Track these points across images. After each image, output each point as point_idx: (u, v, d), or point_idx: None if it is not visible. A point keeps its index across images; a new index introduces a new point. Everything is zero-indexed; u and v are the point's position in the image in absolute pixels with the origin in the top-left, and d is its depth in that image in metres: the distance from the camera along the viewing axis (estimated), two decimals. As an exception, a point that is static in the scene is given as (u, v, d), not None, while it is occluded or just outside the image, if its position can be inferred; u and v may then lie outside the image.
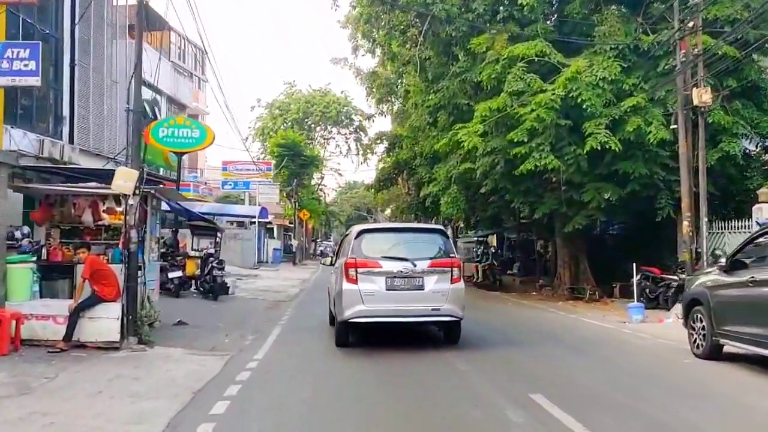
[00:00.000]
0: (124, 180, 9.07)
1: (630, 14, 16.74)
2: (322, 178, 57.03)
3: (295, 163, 43.07)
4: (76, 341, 8.93)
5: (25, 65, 9.73)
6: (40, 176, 13.39)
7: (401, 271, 9.18)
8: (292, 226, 49.75)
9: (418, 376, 7.75)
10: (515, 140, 15.55)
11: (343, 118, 55.83)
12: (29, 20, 14.65)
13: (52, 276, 10.12)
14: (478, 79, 17.56)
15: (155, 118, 23.81)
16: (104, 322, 9.02)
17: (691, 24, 13.73)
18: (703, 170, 13.99)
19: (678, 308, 13.36)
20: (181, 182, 23.43)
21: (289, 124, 53.09)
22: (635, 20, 16.35)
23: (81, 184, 10.57)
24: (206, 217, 20.61)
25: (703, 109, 13.75)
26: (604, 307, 16.37)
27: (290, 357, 9.07)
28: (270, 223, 43.96)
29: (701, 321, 8.67)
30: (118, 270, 9.39)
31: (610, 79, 15.15)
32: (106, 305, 9.05)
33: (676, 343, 10.14)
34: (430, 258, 9.38)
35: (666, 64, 15.34)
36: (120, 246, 9.69)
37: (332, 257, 12.89)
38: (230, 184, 39.66)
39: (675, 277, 14.99)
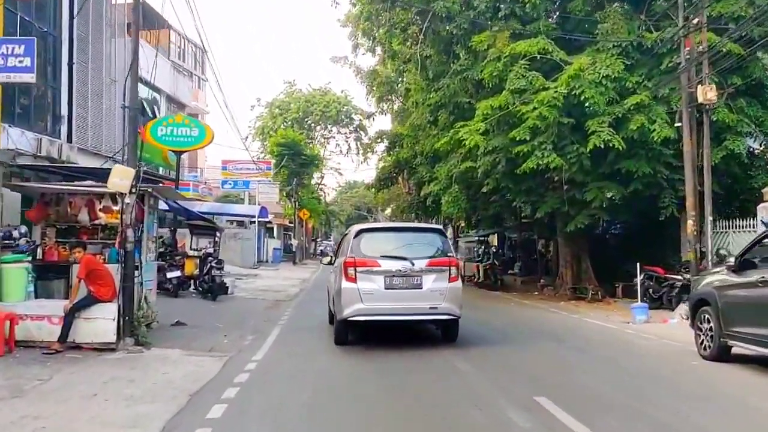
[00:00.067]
0: (121, 178, 8.91)
1: (633, 11, 16.58)
2: (322, 177, 56.96)
3: (295, 163, 42.95)
4: (72, 342, 8.78)
5: (20, 61, 9.59)
6: (38, 175, 13.26)
7: (400, 270, 9.27)
8: (292, 225, 49.63)
9: (420, 378, 7.60)
10: (517, 138, 15.40)
11: (343, 117, 55.70)
12: (27, 18, 14.51)
13: (48, 276, 9.99)
14: (480, 77, 17.41)
15: (154, 117, 23.68)
16: (100, 322, 8.87)
17: (695, 21, 13.55)
18: (708, 169, 13.83)
19: (682, 308, 13.24)
20: (180, 181, 23.32)
21: (289, 123, 52.96)
22: (638, 17, 16.22)
23: (77, 183, 10.42)
24: (205, 216, 20.47)
25: (707, 106, 13.60)
26: (606, 307, 16.22)
27: (290, 358, 8.92)
28: (270, 222, 43.86)
29: (709, 322, 8.50)
30: (114, 270, 9.24)
31: (613, 76, 14.99)
32: (102, 306, 8.90)
33: (681, 344, 9.98)
34: (429, 257, 9.47)
35: (669, 62, 15.19)
36: (116, 245, 9.53)
37: (332, 257, 13.01)
38: (230, 184, 39.54)
39: (679, 277, 14.84)
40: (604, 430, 5.40)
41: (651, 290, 15.39)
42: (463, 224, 32.75)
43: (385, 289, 9.23)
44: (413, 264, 9.29)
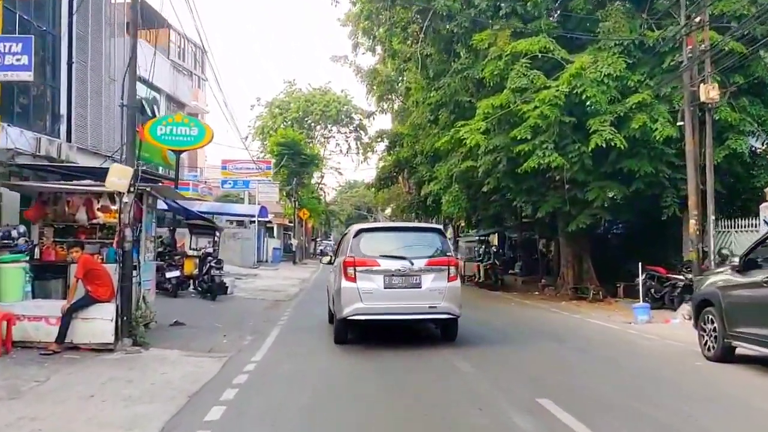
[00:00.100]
0: (119, 177, 8.82)
1: (634, 10, 16.50)
2: (322, 177, 56.86)
3: (294, 162, 42.89)
4: (69, 343, 8.70)
5: (18, 59, 9.55)
6: (37, 174, 13.19)
7: (399, 270, 9.32)
8: (292, 225, 49.55)
9: (421, 380, 7.52)
10: (518, 138, 15.31)
11: (343, 116, 55.61)
12: (26, 17, 14.46)
13: (45, 276, 9.91)
14: (481, 76, 17.32)
15: (154, 116, 23.60)
16: (98, 323, 8.78)
17: (698, 19, 13.47)
18: (711, 168, 13.75)
19: (685, 308, 13.17)
20: (179, 181, 23.27)
21: (289, 122, 52.88)
22: (640, 16, 16.15)
23: (75, 182, 10.34)
24: (205, 216, 20.40)
25: (710, 105, 13.51)
26: (608, 307, 16.14)
27: (289, 358, 8.84)
28: (270, 222, 43.78)
29: (712, 322, 8.42)
30: (112, 270, 9.16)
31: (614, 75, 14.90)
32: (100, 306, 8.81)
33: (684, 344, 9.90)
34: (428, 257, 9.52)
35: (671, 61, 15.10)
36: (114, 245, 9.44)
37: (331, 256, 13.07)
38: (230, 183, 39.48)
39: (681, 277, 14.76)
40: (609, 433, 5.33)
41: (653, 290, 15.29)
42: (463, 224, 32.65)
43: (385, 288, 9.27)
44: (412, 263, 9.34)
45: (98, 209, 10.30)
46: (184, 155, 25.67)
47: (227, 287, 17.14)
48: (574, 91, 14.83)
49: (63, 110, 16.37)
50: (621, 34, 15.78)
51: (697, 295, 9.28)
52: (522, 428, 5.45)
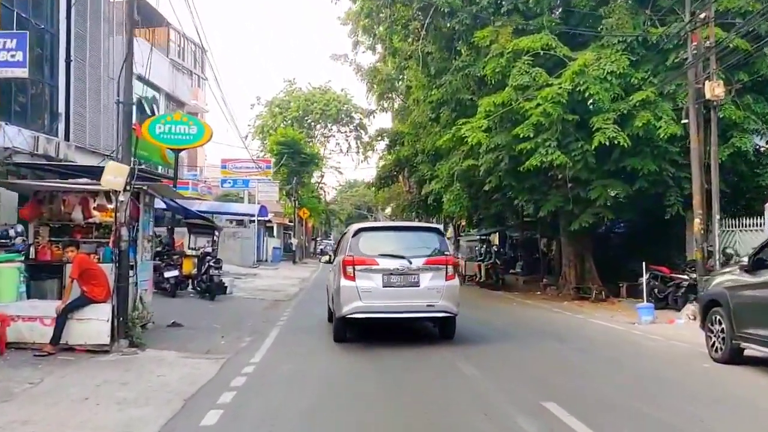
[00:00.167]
0: (114, 175, 8.66)
1: (638, 6, 16.30)
2: (322, 176, 56.71)
3: (294, 161, 42.75)
4: (64, 344, 8.53)
5: (12, 56, 9.40)
6: (35, 173, 13.04)
7: (397, 269, 9.43)
8: (292, 224, 49.40)
9: (423, 383, 7.37)
10: (521, 136, 15.16)
11: (343, 115, 55.46)
12: (24, 14, 14.33)
13: (41, 276, 9.75)
14: (482, 74, 17.16)
15: (153, 115, 23.47)
16: (93, 324, 8.62)
17: (703, 15, 13.30)
18: (716, 166, 13.57)
19: (689, 308, 13.03)
20: (179, 180, 23.13)
21: (289, 122, 52.72)
22: (643, 12, 15.95)
23: (71, 180, 10.18)
24: (204, 215, 20.25)
25: (715, 103, 13.34)
26: (611, 307, 15.98)
27: (288, 361, 8.67)
28: (270, 221, 43.65)
29: (720, 323, 8.25)
30: (108, 270, 8.99)
31: (618, 72, 14.73)
32: (96, 306, 8.65)
33: (690, 345, 9.74)
34: (426, 256, 9.62)
35: (675, 58, 14.92)
36: (111, 244, 9.28)
37: (330, 255, 13.23)
38: (229, 182, 39.33)
39: (685, 277, 14.59)
40: (616, 438, 5.17)
41: (656, 290, 15.13)
42: (464, 223, 32.49)
43: (383, 287, 9.38)
44: (411, 262, 9.44)
45: (94, 208, 10.12)
46: (183, 154, 25.53)
47: (226, 287, 16.99)
48: (577, 89, 14.67)
49: (61, 109, 16.26)
50: (624, 31, 15.62)
51: (705, 295, 9.12)
52: (528, 433, 5.29)
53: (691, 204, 14.28)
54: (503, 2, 17.09)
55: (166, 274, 15.70)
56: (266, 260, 38.37)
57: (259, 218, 35.75)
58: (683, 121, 14.17)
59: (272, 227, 47.45)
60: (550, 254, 25.17)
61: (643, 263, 14.73)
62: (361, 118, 54.06)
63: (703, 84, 13.30)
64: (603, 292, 17.65)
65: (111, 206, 9.64)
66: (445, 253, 9.97)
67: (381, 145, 39.88)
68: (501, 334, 11.47)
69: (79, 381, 7.12)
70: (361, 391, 7.03)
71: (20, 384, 6.89)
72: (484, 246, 29.23)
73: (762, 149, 16.52)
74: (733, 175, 15.72)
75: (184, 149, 21.84)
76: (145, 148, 20.86)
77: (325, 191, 60.55)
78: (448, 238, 33.07)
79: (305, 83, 62.95)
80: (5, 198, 11.90)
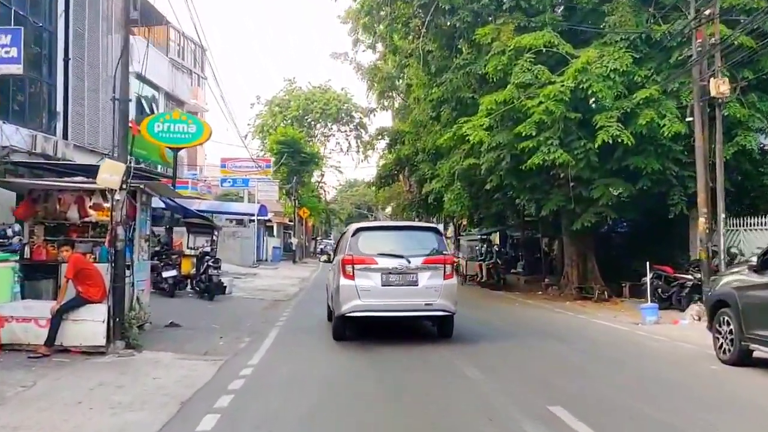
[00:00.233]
0: (110, 173, 8.49)
1: (641, 3, 16.13)
2: (322, 175, 56.55)
3: (294, 161, 42.59)
4: (59, 345, 8.37)
5: (6, 52, 9.24)
6: (33, 172, 12.89)
7: (396, 268, 9.55)
8: (292, 224, 49.24)
9: (424, 384, 7.21)
10: (523, 134, 15.00)
11: (343, 115, 55.29)
12: (21, 12, 14.18)
13: (36, 276, 9.58)
14: (484, 72, 17.00)
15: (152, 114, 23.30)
16: (89, 324, 8.45)
17: (707, 12, 13.13)
18: (721, 164, 13.41)
19: (694, 309, 12.88)
20: (178, 179, 22.96)
21: (289, 121, 52.53)
22: (646, 10, 15.81)
23: (66, 179, 10.01)
24: (203, 214, 20.08)
25: (720, 100, 13.17)
26: (614, 308, 15.82)
27: (288, 362, 8.52)
28: (269, 221, 43.51)
29: (728, 324, 8.09)
30: (104, 269, 8.83)
31: (621, 70, 14.55)
32: (91, 307, 8.48)
33: (696, 346, 9.59)
34: (424, 255, 9.73)
35: (679, 56, 14.77)
36: (107, 244, 9.12)
37: (329, 254, 13.34)
38: (229, 182, 39.15)
39: (689, 277, 14.44)
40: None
41: (660, 290, 14.96)
42: (465, 222, 32.32)
43: (382, 285, 9.48)
44: (409, 262, 9.55)
45: (90, 207, 9.96)
46: (183, 153, 25.37)
47: (225, 287, 16.84)
48: (580, 87, 14.52)
49: (60, 107, 16.11)
50: (627, 28, 15.46)
51: (712, 295, 8.95)
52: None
53: (694, 203, 14.13)
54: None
55: (165, 274, 15.56)
56: (266, 260, 38.23)
57: (259, 218, 35.60)
58: (688, 119, 14.00)
59: (272, 227, 47.31)
60: (551, 254, 25.01)
61: (647, 263, 14.57)
62: (361, 118, 53.92)
63: (708, 81, 13.14)
64: (605, 292, 17.49)
65: (107, 205, 9.49)
66: (443, 252, 10.07)
67: (381, 144, 39.74)
68: (502, 334, 11.34)
69: (74, 384, 6.96)
70: (361, 393, 6.88)
71: (13, 387, 6.72)
72: (485, 245, 29.08)
73: (767, 147, 16.36)
74: (737, 174, 15.56)
75: (183, 148, 21.64)
76: (144, 147, 20.69)
77: (325, 190, 60.41)
78: (449, 238, 33.00)
79: (305, 82, 62.88)
80: (3, 197, 11.74)
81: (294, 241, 48.55)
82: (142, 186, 10.07)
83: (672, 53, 15.03)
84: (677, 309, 14.13)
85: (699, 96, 13.44)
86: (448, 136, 17.99)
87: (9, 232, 10.59)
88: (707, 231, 13.43)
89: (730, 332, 8.04)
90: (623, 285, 17.66)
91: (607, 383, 7.37)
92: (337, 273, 10.05)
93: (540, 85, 15.03)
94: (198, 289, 16.33)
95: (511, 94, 15.51)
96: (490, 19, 17.33)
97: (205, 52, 24.47)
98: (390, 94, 34.23)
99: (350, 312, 9.51)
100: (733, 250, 13.99)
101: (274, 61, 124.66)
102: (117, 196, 8.71)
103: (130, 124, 9.35)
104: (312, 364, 8.41)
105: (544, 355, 9.27)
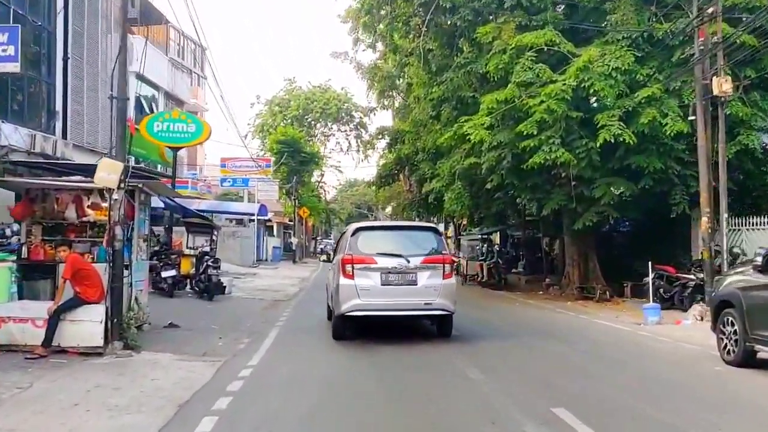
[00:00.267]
0: (108, 172, 8.41)
1: (643, 2, 16.03)
2: (322, 175, 56.48)
3: (294, 160, 42.52)
4: (57, 346, 8.28)
5: (3, 50, 9.16)
6: (32, 172, 12.82)
7: (395, 267, 9.60)
8: (292, 223, 49.17)
9: (425, 385, 7.14)
10: (524, 133, 14.91)
11: (343, 114, 55.22)
12: (20, 11, 14.12)
13: (33, 276, 9.48)
14: (484, 70, 16.91)
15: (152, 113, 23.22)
16: (87, 325, 8.36)
17: (710, 10, 13.04)
18: (723, 164, 13.33)
19: (696, 309, 12.79)
20: (178, 179, 22.88)
21: (289, 120, 52.46)
22: (648, 8, 15.71)
23: (64, 178, 9.93)
24: (203, 214, 20.00)
25: (723, 99, 13.09)
26: (615, 308, 15.73)
27: (287, 362, 8.44)
28: (269, 220, 43.42)
29: (733, 324, 8.01)
30: (102, 270, 8.74)
31: (623, 69, 14.46)
32: (89, 307, 8.40)
33: (700, 347, 9.51)
34: (424, 255, 9.79)
35: (681, 54, 14.67)
36: (104, 244, 9.03)
37: (329, 254, 13.35)
38: (229, 181, 39.10)
39: (692, 277, 14.34)
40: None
41: (662, 290, 14.88)
42: (465, 222, 32.23)
43: (382, 285, 9.53)
44: (409, 261, 9.61)
45: (88, 206, 9.87)
46: (182, 152, 25.30)
47: (225, 287, 16.76)
48: (582, 85, 14.44)
49: (59, 107, 16.07)
50: (629, 27, 15.36)
51: (716, 296, 8.86)
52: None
53: (697, 202, 14.05)
54: (505, -2, 16.85)
55: (164, 274, 15.48)
56: (266, 260, 38.15)
57: (259, 217, 35.51)
58: (690, 118, 13.91)
59: (272, 226, 47.22)
60: (552, 253, 24.93)
61: (649, 263, 14.47)
62: (361, 117, 53.85)
63: (711, 80, 13.05)
64: (607, 292, 17.40)
65: (105, 204, 9.41)
66: (443, 252, 10.09)
67: (381, 144, 39.69)
68: (503, 334, 11.28)
69: (70, 385, 6.88)
70: (361, 393, 6.82)
71: (8, 389, 6.63)
72: (486, 245, 28.99)
73: (768, 147, 16.28)
74: (739, 173, 15.48)
75: (182, 147, 21.59)
76: (143, 146, 20.64)
77: (325, 190, 60.35)
78: (449, 238, 32.91)
79: (305, 82, 62.72)
80: (2, 197, 11.67)
81: (294, 240, 48.48)
82: (140, 185, 9.99)
83: (674, 52, 14.94)
84: (679, 309, 14.04)
85: (701, 95, 13.36)
86: (449, 135, 17.90)
87: (7, 231, 10.56)
88: (709, 230, 13.35)
89: (735, 333, 7.96)
90: (625, 285, 17.56)
91: (609, 384, 7.29)
92: (336, 272, 10.08)
93: (541, 84, 14.94)
94: (197, 289, 16.25)
95: (512, 93, 15.41)
96: (491, 17, 17.23)
97: (204, 51, 24.40)
98: (390, 93, 34.15)
99: (350, 311, 9.55)
100: (736, 249, 13.91)
101: (274, 61, 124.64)
102: (115, 196, 8.63)
103: (128, 123, 9.25)
104: (312, 364, 8.34)
105: (546, 355, 9.20)
